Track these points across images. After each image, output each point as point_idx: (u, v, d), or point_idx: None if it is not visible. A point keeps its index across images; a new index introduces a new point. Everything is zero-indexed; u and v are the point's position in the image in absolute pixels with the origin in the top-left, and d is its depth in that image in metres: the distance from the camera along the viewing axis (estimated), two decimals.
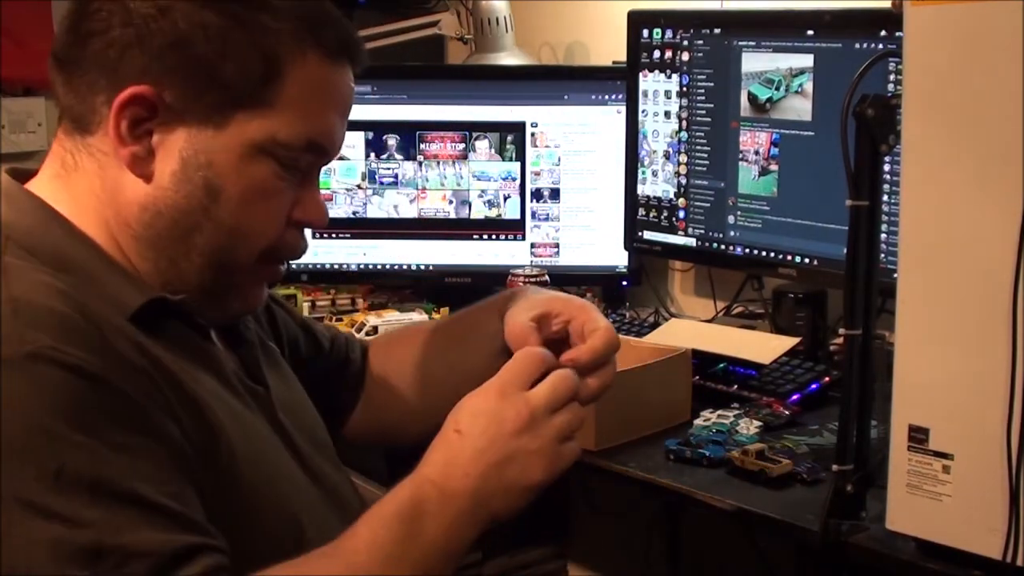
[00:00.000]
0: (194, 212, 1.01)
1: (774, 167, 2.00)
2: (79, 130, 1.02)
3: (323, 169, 1.10)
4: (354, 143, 2.37)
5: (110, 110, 0.98)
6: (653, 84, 2.17)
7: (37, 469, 0.85)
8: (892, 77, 1.72)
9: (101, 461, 0.87)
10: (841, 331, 1.37)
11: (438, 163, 2.38)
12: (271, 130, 1.00)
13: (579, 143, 2.35)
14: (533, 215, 2.38)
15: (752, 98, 2.01)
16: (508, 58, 2.46)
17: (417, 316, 2.21)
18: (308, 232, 1.11)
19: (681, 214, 2.17)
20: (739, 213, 2.07)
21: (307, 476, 1.12)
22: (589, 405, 1.12)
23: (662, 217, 2.20)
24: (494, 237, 2.38)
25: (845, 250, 1.35)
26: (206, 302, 1.06)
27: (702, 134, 2.11)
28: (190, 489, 0.93)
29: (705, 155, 2.11)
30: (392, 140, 2.38)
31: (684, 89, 2.12)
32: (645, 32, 2.17)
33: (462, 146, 2.37)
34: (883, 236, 1.43)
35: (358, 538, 0.96)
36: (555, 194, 2.37)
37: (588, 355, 1.12)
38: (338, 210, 2.39)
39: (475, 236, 2.38)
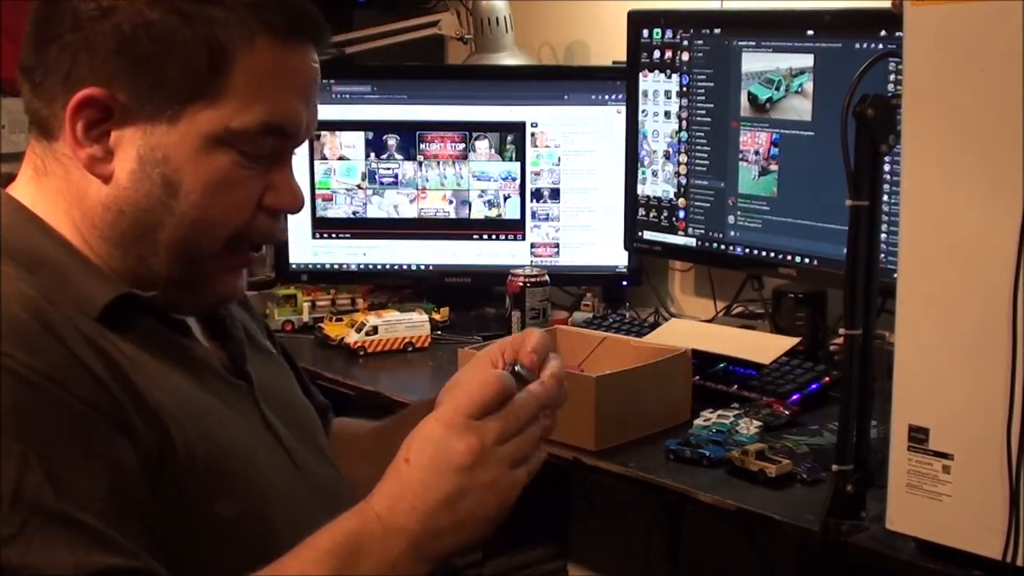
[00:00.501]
0: (155, 209, 1.01)
1: (774, 167, 2.00)
2: (45, 135, 1.04)
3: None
4: (354, 143, 2.37)
5: (67, 111, 1.00)
6: (653, 84, 2.17)
7: None
8: (892, 77, 1.72)
9: (28, 471, 0.85)
10: (841, 331, 1.37)
11: (438, 163, 2.38)
12: (222, 120, 1.00)
13: (579, 143, 2.35)
14: (533, 215, 2.38)
15: (752, 98, 2.01)
16: (508, 58, 2.46)
17: (417, 316, 2.20)
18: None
19: (681, 214, 2.17)
20: (739, 213, 2.07)
21: (294, 469, 1.11)
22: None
23: (662, 217, 2.20)
24: (494, 237, 2.38)
25: (845, 250, 1.35)
26: (180, 295, 1.06)
27: (702, 134, 2.11)
28: (130, 508, 0.90)
29: (705, 155, 2.11)
30: (392, 140, 2.38)
31: (684, 89, 2.12)
32: (645, 32, 2.17)
33: (462, 146, 2.37)
34: (883, 236, 1.43)
35: (286, 570, 0.92)
36: (555, 194, 2.37)
37: (527, 356, 1.03)
38: (338, 210, 2.39)
39: (475, 236, 2.38)
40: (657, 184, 2.20)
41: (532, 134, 2.35)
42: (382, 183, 2.39)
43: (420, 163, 2.38)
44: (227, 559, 0.96)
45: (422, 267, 2.42)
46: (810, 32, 1.90)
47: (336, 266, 2.43)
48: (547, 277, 2.14)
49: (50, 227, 1.03)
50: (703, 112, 2.10)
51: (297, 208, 1.08)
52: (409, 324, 2.18)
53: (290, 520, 1.03)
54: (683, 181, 2.16)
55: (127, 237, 1.02)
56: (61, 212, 1.03)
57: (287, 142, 1.06)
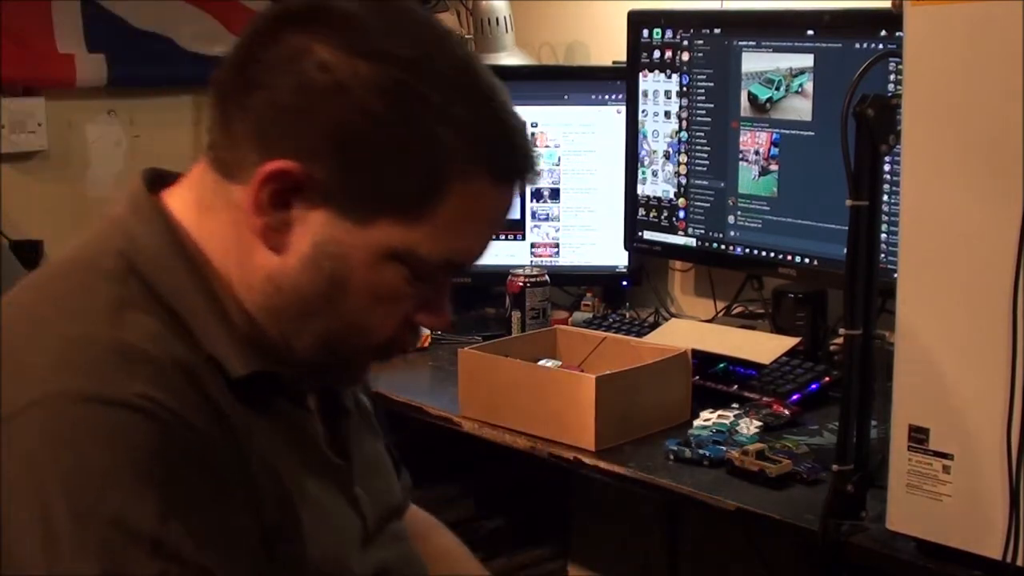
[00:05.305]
0: (315, 299, 0.95)
1: (774, 167, 2.00)
2: (222, 173, 0.96)
3: None
4: None
5: (255, 174, 0.92)
6: (653, 84, 2.17)
7: (97, 514, 0.82)
8: (892, 77, 1.72)
9: (169, 519, 0.84)
10: (841, 331, 1.37)
11: None
12: (411, 242, 0.94)
13: (579, 143, 2.35)
14: (533, 215, 2.38)
15: (752, 98, 2.01)
16: (508, 58, 2.46)
17: None
18: None
19: (681, 214, 2.17)
20: (739, 213, 2.07)
21: (367, 551, 1.08)
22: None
23: (662, 217, 2.20)
24: (494, 237, 2.37)
25: (845, 250, 1.35)
26: (309, 375, 1.02)
27: (702, 134, 2.11)
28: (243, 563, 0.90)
29: (705, 155, 2.11)
30: None
31: (684, 89, 2.12)
32: (645, 32, 2.17)
33: None
34: (883, 236, 1.43)
35: None
36: (555, 194, 2.37)
37: None
38: None
39: None
40: (657, 184, 2.20)
41: (532, 134, 2.35)
42: None
43: None
44: None
45: None
46: (810, 32, 1.90)
47: None
48: (547, 277, 2.14)
49: (201, 271, 0.96)
50: (703, 112, 2.10)
51: (444, 329, 1.03)
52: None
53: None
54: (683, 181, 2.16)
55: (278, 314, 0.96)
56: (216, 260, 0.97)
57: (458, 272, 1.01)
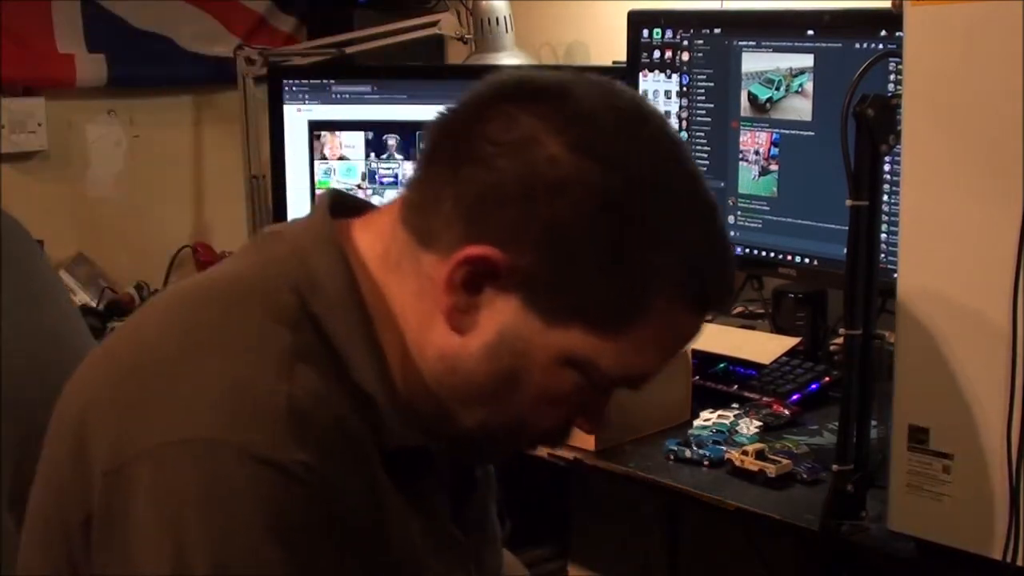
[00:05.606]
0: (486, 389, 0.92)
1: (774, 167, 2.00)
2: (416, 236, 0.91)
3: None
4: (354, 143, 2.37)
5: (456, 253, 0.88)
6: (653, 84, 2.17)
7: (233, 567, 0.81)
8: (892, 77, 1.72)
9: None
10: (841, 331, 1.37)
11: None
12: (597, 354, 0.90)
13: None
14: None
15: (752, 98, 2.01)
16: (508, 58, 2.46)
17: None
18: None
19: None
20: (739, 213, 2.07)
21: None
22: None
23: None
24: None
25: (845, 250, 1.35)
26: (457, 451, 0.99)
27: (702, 134, 2.11)
28: None
29: (705, 155, 2.11)
30: (392, 140, 2.38)
31: (684, 89, 2.12)
32: (645, 32, 2.16)
33: None
34: (883, 236, 1.43)
35: None
36: None
37: None
38: None
39: None
40: None
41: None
42: (382, 183, 2.39)
43: None
44: None
45: None
46: (810, 32, 1.90)
47: None
48: None
49: (375, 329, 0.92)
50: (703, 112, 2.10)
51: (595, 433, 1.00)
52: None
53: None
54: None
55: (443, 392, 0.93)
56: (393, 322, 0.93)
57: (630, 387, 0.98)
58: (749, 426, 1.66)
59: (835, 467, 1.36)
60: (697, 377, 1.81)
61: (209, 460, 0.82)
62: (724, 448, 1.59)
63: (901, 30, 1.22)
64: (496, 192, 0.87)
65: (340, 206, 0.98)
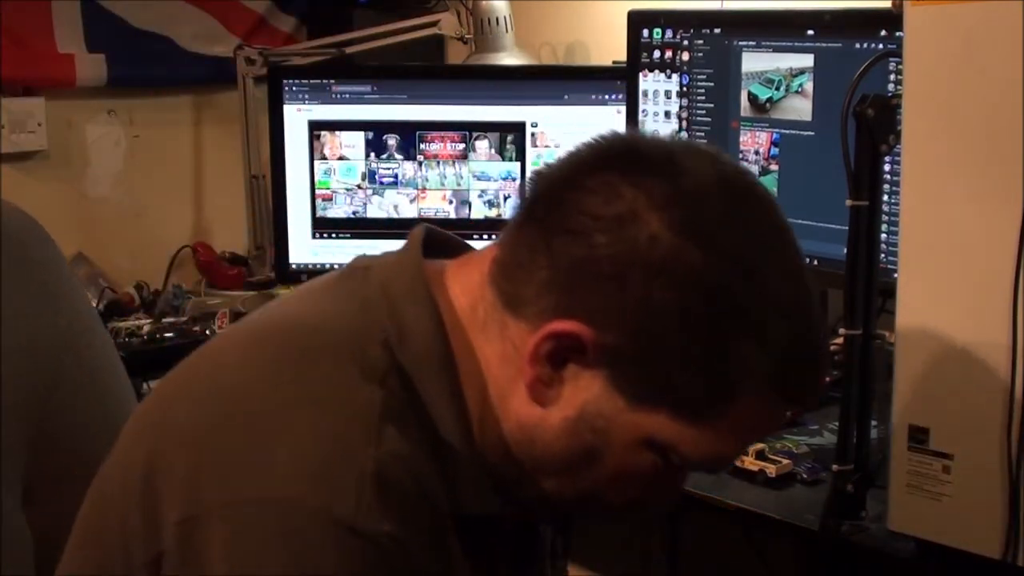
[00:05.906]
0: (564, 463, 0.90)
1: (774, 167, 2.00)
2: (504, 300, 0.89)
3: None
4: (354, 143, 2.37)
5: (542, 324, 0.86)
6: (653, 84, 2.17)
7: None
8: (892, 77, 1.72)
9: None
10: (841, 331, 1.37)
11: (438, 163, 2.38)
12: (679, 440, 0.87)
13: (579, 143, 2.34)
14: None
15: (752, 98, 2.01)
16: (508, 58, 2.46)
17: None
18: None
19: None
20: None
21: None
22: None
23: None
24: (494, 237, 2.37)
25: (845, 250, 1.35)
26: (525, 509, 0.97)
27: (702, 134, 2.11)
28: None
29: None
30: (392, 140, 2.38)
31: (684, 89, 2.12)
32: (645, 32, 2.16)
33: (462, 146, 2.37)
34: (883, 236, 1.43)
35: None
36: None
37: None
38: (338, 210, 2.39)
39: (475, 236, 2.38)
40: None
41: (532, 134, 2.35)
42: (382, 183, 2.39)
43: (420, 163, 2.38)
44: None
45: None
46: (810, 32, 1.90)
47: (336, 266, 2.42)
48: None
49: (462, 390, 0.90)
50: (703, 112, 2.10)
51: (660, 507, 0.98)
52: None
53: None
54: None
55: (522, 460, 0.91)
56: (481, 380, 0.91)
57: (707, 472, 0.97)
58: None
59: (835, 467, 1.37)
60: None
61: (292, 522, 0.80)
62: None
63: (901, 30, 1.22)
64: (591, 268, 0.85)
65: (432, 242, 0.97)
